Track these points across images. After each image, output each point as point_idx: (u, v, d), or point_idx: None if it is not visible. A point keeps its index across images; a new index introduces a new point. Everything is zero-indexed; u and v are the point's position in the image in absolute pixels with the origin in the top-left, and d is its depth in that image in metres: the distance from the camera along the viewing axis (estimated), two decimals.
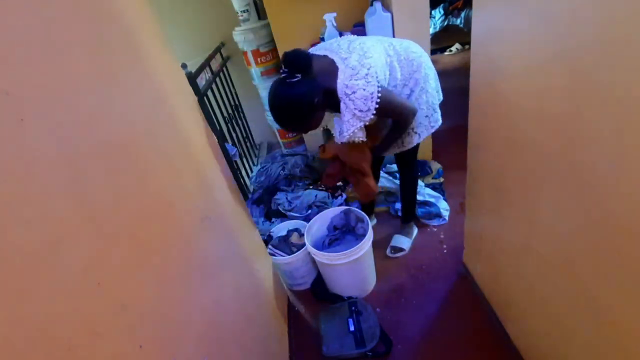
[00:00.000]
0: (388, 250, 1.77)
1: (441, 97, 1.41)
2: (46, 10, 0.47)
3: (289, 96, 1.07)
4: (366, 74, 1.08)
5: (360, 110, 1.10)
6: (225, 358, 0.80)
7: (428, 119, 1.36)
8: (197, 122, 1.06)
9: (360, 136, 1.19)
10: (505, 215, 1.06)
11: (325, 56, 1.14)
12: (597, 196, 0.65)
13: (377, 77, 1.10)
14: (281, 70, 1.07)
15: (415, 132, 1.37)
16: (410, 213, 1.77)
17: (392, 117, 1.26)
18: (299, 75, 1.04)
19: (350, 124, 1.13)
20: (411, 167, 1.61)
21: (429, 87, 1.31)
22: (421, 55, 1.29)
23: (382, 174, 2.13)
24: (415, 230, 1.84)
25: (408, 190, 1.69)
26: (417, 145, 1.46)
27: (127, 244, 0.52)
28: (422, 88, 1.29)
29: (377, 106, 1.10)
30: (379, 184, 2.06)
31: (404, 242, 1.78)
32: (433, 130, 1.40)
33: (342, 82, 1.08)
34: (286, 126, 1.18)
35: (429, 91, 1.31)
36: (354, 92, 1.08)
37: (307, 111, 1.09)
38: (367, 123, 1.16)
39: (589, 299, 0.75)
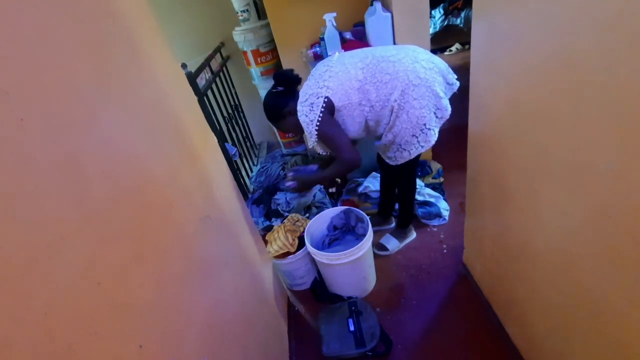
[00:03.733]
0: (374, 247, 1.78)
1: (445, 115, 1.29)
2: (46, 10, 0.47)
3: (266, 102, 1.38)
4: (312, 103, 1.25)
5: (306, 132, 1.29)
6: (225, 358, 0.80)
7: (416, 138, 1.29)
8: (197, 122, 1.06)
9: (321, 150, 1.41)
10: (505, 215, 1.06)
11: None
12: (597, 196, 0.65)
13: (322, 106, 1.23)
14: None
15: (404, 149, 1.33)
16: (405, 219, 1.75)
17: (332, 151, 1.38)
18: (281, 88, 1.33)
19: (308, 137, 1.31)
20: (406, 180, 1.58)
21: (410, 107, 1.23)
22: (397, 77, 1.21)
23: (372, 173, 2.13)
24: (411, 237, 1.83)
25: (402, 200, 1.68)
26: (413, 161, 1.42)
27: (127, 244, 0.52)
28: (401, 107, 1.24)
29: (316, 133, 1.26)
30: (366, 183, 2.06)
31: (391, 243, 1.78)
32: (425, 149, 1.34)
33: (298, 104, 1.30)
34: (270, 122, 1.45)
35: (410, 111, 1.23)
36: (300, 115, 1.29)
37: (276, 116, 1.36)
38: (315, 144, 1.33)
39: (589, 298, 0.75)
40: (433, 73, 1.23)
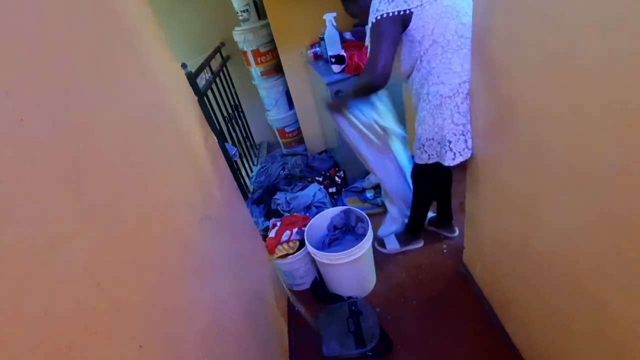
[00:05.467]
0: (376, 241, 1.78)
1: (465, 155, 1.17)
2: (46, 10, 0.47)
3: None
4: None
5: (369, 17, 1.15)
6: (225, 358, 0.80)
7: (437, 143, 1.19)
8: (197, 122, 1.06)
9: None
10: (505, 215, 1.06)
11: None
12: (597, 196, 0.65)
13: (399, 11, 1.07)
14: None
15: (425, 151, 1.25)
16: (410, 225, 1.69)
17: (369, 54, 1.18)
18: None
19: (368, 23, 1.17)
20: (418, 183, 1.49)
21: (454, 108, 1.11)
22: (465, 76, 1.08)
23: None
24: (415, 246, 1.75)
25: (412, 204, 1.60)
26: (430, 166, 1.29)
27: (127, 244, 0.52)
28: (442, 104, 1.12)
29: (373, 22, 1.11)
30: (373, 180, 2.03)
31: (392, 243, 1.75)
32: (431, 161, 1.25)
33: None
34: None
35: (454, 110, 1.11)
36: None
37: None
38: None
39: (588, 298, 0.75)
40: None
